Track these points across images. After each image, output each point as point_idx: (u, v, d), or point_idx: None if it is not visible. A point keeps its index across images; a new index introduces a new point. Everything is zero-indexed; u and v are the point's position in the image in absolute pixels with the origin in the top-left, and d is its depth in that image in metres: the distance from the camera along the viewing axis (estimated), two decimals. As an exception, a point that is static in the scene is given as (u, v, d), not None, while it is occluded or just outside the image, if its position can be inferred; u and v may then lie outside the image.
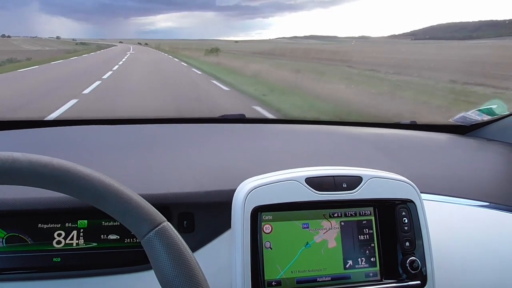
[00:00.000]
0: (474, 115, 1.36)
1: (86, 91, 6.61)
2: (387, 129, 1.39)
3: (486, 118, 1.36)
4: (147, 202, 0.54)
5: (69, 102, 5.26)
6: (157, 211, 0.54)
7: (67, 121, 1.22)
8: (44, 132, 1.14)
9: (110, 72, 10.13)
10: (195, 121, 1.34)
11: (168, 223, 0.53)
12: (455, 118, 1.41)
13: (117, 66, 12.33)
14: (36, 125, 1.16)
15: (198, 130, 1.24)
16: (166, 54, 22.12)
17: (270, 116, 4.45)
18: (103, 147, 1.04)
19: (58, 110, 4.63)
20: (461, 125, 1.39)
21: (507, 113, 1.33)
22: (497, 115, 1.34)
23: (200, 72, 11.64)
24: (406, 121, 1.46)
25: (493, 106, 1.35)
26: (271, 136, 1.23)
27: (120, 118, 1.27)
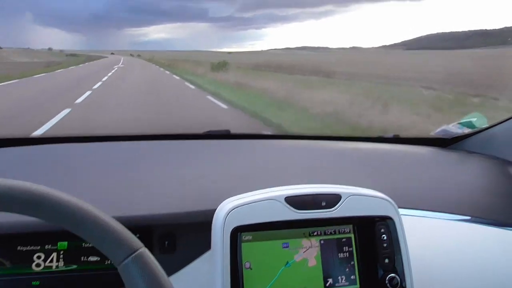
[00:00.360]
0: (454, 128, 1.38)
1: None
2: (370, 143, 1.41)
3: (467, 131, 1.38)
4: (125, 228, 0.54)
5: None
6: (134, 236, 0.54)
7: (48, 139, 1.21)
8: (24, 151, 1.13)
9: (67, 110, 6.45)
10: (178, 137, 1.33)
11: (146, 249, 0.53)
12: (436, 131, 1.43)
13: (84, 97, 8.29)
14: (15, 143, 1.15)
15: (181, 147, 1.24)
16: (162, 69, 20.17)
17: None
18: (85, 166, 1.04)
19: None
20: (442, 138, 1.41)
21: (487, 125, 1.35)
22: (477, 128, 1.36)
23: (226, 107, 7.39)
24: (389, 134, 1.47)
25: (473, 119, 1.37)
26: (255, 152, 1.24)
27: (100, 135, 1.26)
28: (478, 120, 1.37)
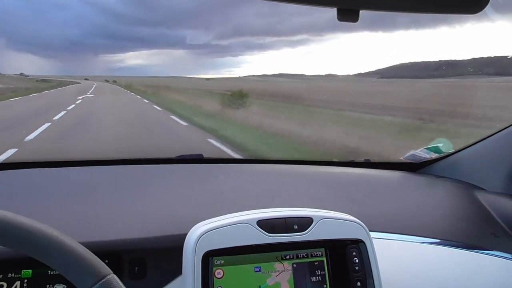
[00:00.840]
0: (422, 153, 1.43)
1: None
2: (342, 167, 1.43)
3: (434, 155, 1.42)
4: (91, 253, 0.52)
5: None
6: (102, 262, 0.52)
7: (8, 164, 1.18)
8: None
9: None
10: (151, 161, 1.32)
11: (114, 275, 0.52)
12: (405, 156, 1.47)
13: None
14: None
15: (153, 172, 1.23)
16: (145, 100, 14.29)
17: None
18: (50, 192, 1.01)
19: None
20: (411, 163, 1.45)
21: (453, 151, 1.40)
22: (444, 152, 1.40)
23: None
24: (360, 159, 1.50)
25: (440, 145, 1.41)
26: (228, 177, 1.24)
27: (67, 160, 1.23)
28: (444, 145, 1.42)
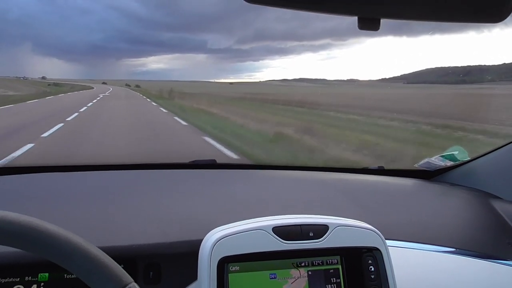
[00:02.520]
0: (437, 161, 1.41)
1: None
2: (356, 174, 1.42)
3: (449, 163, 1.41)
4: (114, 262, 0.53)
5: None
6: (124, 271, 0.53)
7: (23, 168, 1.19)
8: (3, 181, 1.11)
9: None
10: (164, 166, 1.33)
11: (135, 284, 0.52)
12: (420, 163, 1.46)
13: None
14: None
15: (167, 177, 1.23)
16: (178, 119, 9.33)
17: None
18: (63, 196, 1.02)
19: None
20: (426, 171, 1.44)
21: (468, 159, 1.38)
22: (459, 160, 1.39)
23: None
24: (374, 166, 1.49)
25: (455, 152, 1.40)
26: (241, 182, 1.24)
27: (81, 165, 1.24)
28: (460, 153, 1.40)
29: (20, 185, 1.09)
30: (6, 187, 1.08)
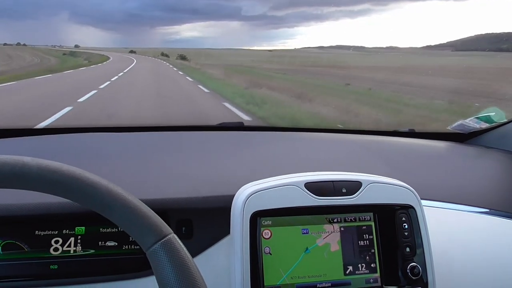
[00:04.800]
0: (472, 123, 1.37)
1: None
2: (386, 136, 1.40)
3: (484, 125, 1.36)
4: (154, 213, 0.53)
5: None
6: (164, 222, 0.53)
7: (64, 129, 1.22)
8: (42, 140, 1.14)
9: None
10: (193, 128, 1.33)
11: (174, 235, 0.53)
12: (453, 126, 1.41)
13: None
14: (32, 133, 1.16)
15: (196, 138, 1.24)
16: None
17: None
18: (101, 155, 1.04)
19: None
20: (459, 133, 1.39)
21: (505, 120, 1.33)
22: (495, 122, 1.34)
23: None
24: (405, 129, 1.46)
25: (491, 114, 1.35)
26: (270, 144, 1.23)
27: (117, 126, 1.26)
28: (496, 114, 1.35)
29: (60, 143, 1.12)
30: (48, 146, 1.10)
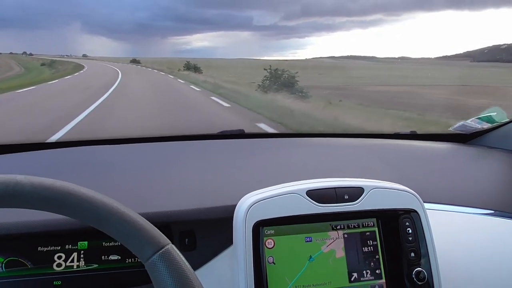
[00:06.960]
0: (474, 123, 1.36)
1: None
2: (388, 139, 1.39)
3: (486, 126, 1.35)
4: (151, 224, 0.53)
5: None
6: (161, 233, 0.53)
7: (65, 142, 1.22)
8: (43, 155, 1.14)
9: None
10: (193, 138, 1.33)
11: (172, 245, 0.53)
12: (455, 127, 1.41)
13: None
14: (35, 147, 1.16)
15: (196, 147, 1.24)
16: None
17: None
18: (102, 167, 1.04)
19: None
20: (461, 134, 1.39)
21: (507, 120, 1.32)
22: (497, 122, 1.33)
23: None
24: (406, 131, 1.46)
25: (493, 114, 1.34)
26: (271, 151, 1.23)
27: (118, 138, 1.26)
28: (498, 114, 1.35)
29: (62, 157, 1.12)
30: (45, 161, 1.10)
